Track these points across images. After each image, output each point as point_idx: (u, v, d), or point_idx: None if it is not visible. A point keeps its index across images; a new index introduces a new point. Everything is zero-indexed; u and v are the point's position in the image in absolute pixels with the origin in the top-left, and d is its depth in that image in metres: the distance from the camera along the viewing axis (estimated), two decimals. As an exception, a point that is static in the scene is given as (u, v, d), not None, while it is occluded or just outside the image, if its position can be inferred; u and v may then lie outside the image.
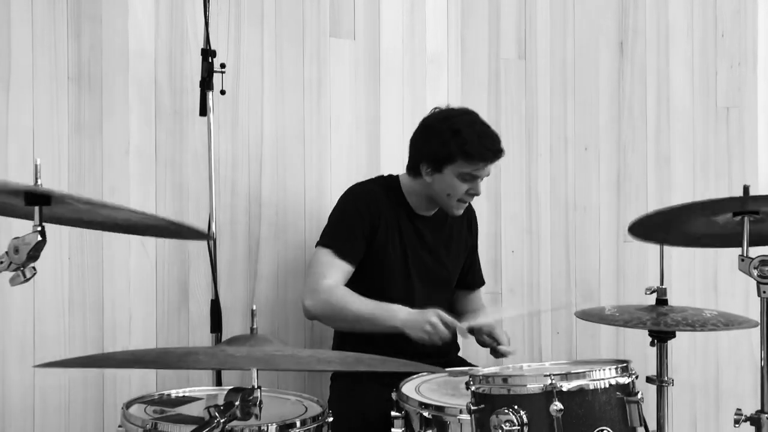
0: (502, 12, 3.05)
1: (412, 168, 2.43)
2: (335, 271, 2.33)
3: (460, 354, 2.57)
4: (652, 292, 2.09)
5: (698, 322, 1.96)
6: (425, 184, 2.39)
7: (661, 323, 1.97)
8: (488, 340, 2.37)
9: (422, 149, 2.39)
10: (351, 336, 2.42)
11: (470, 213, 2.62)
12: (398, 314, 2.25)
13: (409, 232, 2.42)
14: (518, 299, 3.04)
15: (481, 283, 2.70)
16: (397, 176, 2.50)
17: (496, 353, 2.38)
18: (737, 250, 1.84)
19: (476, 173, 2.33)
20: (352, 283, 2.35)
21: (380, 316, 2.26)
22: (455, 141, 2.30)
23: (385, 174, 2.56)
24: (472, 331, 2.34)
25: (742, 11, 3.17)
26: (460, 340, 2.59)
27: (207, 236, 2.43)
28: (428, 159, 2.36)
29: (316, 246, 2.41)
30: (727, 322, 2.01)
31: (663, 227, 2.00)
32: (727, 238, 1.96)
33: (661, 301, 2.08)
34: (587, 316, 2.13)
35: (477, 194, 2.38)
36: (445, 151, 2.31)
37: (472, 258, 2.65)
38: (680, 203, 1.85)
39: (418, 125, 2.44)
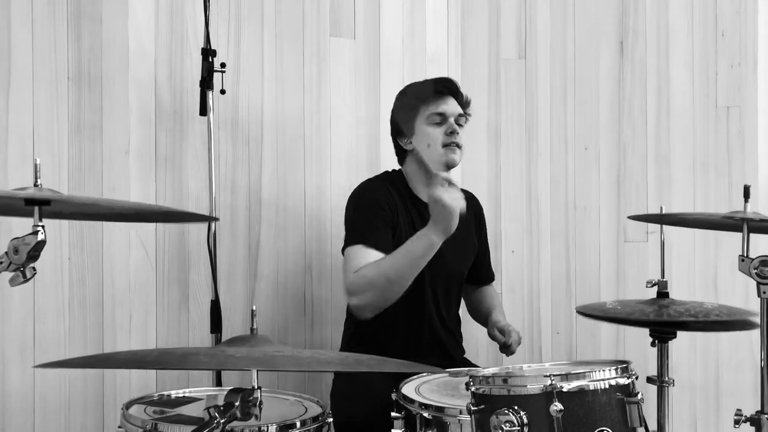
0: (502, 12, 3.05)
1: (398, 153, 2.49)
2: (367, 261, 2.23)
3: (465, 356, 2.57)
4: (653, 285, 2.08)
5: (700, 313, 1.95)
6: (413, 157, 2.43)
7: (663, 314, 1.95)
8: (499, 336, 2.38)
9: (393, 129, 2.49)
10: (358, 337, 2.42)
11: (477, 208, 2.62)
12: (425, 233, 2.13)
13: (420, 224, 2.40)
14: (518, 299, 3.04)
15: (492, 278, 2.68)
16: (400, 170, 2.51)
17: (506, 350, 2.38)
18: (737, 250, 1.84)
19: (439, 110, 2.37)
20: None
21: (414, 247, 2.15)
22: (406, 97, 2.44)
23: (389, 170, 2.55)
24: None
25: (742, 11, 3.17)
26: (463, 342, 2.59)
27: (210, 218, 2.44)
28: (400, 130, 2.44)
29: (342, 250, 2.32)
30: (729, 314, 2.00)
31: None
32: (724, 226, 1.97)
33: (662, 294, 2.07)
34: (588, 310, 2.12)
35: (456, 132, 2.36)
36: (405, 111, 2.41)
37: (483, 253, 2.64)
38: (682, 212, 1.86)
39: None
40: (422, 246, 2.14)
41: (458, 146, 2.37)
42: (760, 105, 3.17)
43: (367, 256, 2.23)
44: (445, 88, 2.41)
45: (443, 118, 2.37)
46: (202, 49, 2.46)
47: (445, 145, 2.36)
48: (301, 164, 2.76)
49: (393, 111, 2.49)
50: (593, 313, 2.10)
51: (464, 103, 2.45)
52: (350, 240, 2.30)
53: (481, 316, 2.58)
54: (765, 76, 3.18)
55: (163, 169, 2.58)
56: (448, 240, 2.45)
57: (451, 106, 2.39)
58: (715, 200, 3.13)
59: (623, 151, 3.14)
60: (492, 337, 2.43)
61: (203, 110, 2.47)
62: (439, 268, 2.42)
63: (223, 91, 2.48)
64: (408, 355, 1.70)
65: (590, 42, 3.12)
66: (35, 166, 1.34)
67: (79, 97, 2.48)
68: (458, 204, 2.10)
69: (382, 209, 2.33)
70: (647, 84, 3.15)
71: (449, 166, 2.40)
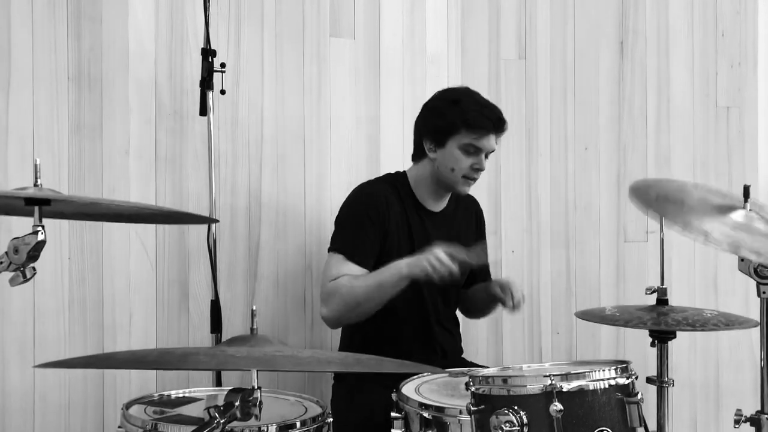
0: (502, 12, 3.05)
1: (416, 150, 2.43)
2: (346, 273, 2.27)
3: (463, 356, 2.57)
4: (652, 292, 2.09)
5: (698, 322, 1.96)
6: (430, 165, 2.38)
7: (661, 323, 1.96)
8: (499, 292, 2.36)
9: (424, 126, 2.40)
10: (358, 337, 2.42)
11: (477, 210, 2.61)
12: (400, 265, 2.18)
13: (418, 230, 2.40)
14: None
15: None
16: (404, 172, 2.48)
17: (511, 307, 2.34)
18: (737, 251, 1.84)
19: (478, 144, 2.32)
20: None
21: (386, 278, 2.19)
22: (455, 111, 2.32)
23: (392, 171, 2.52)
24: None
25: (742, 11, 3.18)
26: (463, 342, 2.59)
27: (210, 219, 2.43)
28: (431, 134, 2.37)
29: (328, 251, 2.35)
30: (727, 322, 2.01)
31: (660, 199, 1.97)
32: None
33: (662, 301, 2.08)
34: (587, 316, 2.13)
35: (482, 169, 2.35)
36: (447, 122, 2.33)
37: None
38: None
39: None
40: (393, 276, 2.18)
41: (475, 181, 2.38)
42: (760, 105, 3.18)
43: (344, 267, 2.26)
44: (495, 126, 2.33)
45: (477, 151, 2.33)
46: (202, 49, 2.46)
47: (466, 177, 2.35)
48: (301, 165, 2.76)
49: (433, 108, 2.40)
50: (592, 319, 2.10)
51: (499, 137, 2.39)
52: (334, 246, 2.34)
53: (477, 305, 2.56)
54: (765, 76, 3.18)
55: (163, 170, 2.58)
56: (447, 236, 2.45)
57: (490, 143, 2.34)
58: (715, 200, 3.13)
59: (623, 151, 3.14)
60: (493, 294, 2.38)
61: (203, 110, 2.47)
62: None
63: (223, 92, 2.48)
64: (406, 357, 1.70)
65: (590, 42, 3.12)
66: (35, 166, 1.34)
67: (79, 97, 2.48)
68: (441, 267, 2.12)
69: (372, 222, 2.32)
70: (647, 84, 3.15)
71: (458, 193, 2.42)
